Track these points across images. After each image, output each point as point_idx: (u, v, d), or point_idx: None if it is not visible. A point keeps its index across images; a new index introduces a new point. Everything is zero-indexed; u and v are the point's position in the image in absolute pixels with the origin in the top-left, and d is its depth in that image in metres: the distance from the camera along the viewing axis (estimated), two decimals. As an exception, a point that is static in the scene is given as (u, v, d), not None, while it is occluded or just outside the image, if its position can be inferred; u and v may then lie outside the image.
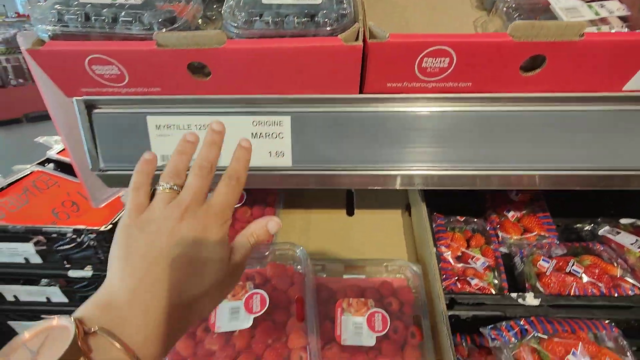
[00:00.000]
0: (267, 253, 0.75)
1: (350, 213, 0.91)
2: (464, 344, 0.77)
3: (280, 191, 0.89)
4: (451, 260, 0.87)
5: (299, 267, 0.72)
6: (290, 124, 0.59)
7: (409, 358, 0.67)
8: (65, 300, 1.16)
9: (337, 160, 0.61)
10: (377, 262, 0.77)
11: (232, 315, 0.64)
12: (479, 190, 1.02)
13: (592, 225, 0.93)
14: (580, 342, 0.66)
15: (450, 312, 0.74)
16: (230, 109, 0.59)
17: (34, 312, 1.19)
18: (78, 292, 1.14)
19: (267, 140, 0.60)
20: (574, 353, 0.63)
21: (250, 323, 0.63)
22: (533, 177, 0.63)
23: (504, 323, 0.68)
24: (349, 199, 0.92)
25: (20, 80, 4.64)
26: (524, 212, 0.94)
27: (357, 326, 0.69)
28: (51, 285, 1.14)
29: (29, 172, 1.33)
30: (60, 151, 1.47)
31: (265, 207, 0.86)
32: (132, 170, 0.63)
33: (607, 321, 0.70)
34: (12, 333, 1.24)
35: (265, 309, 0.64)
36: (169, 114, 0.59)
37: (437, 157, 0.61)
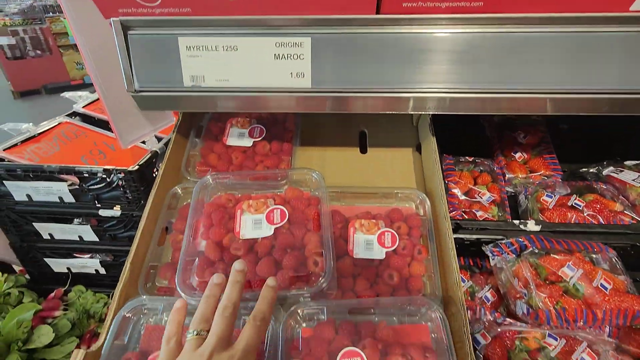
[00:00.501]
0: (284, 181, 0.81)
1: (363, 151, 0.95)
2: (467, 267, 0.82)
3: (297, 128, 0.94)
4: (458, 195, 0.91)
5: (316, 192, 0.78)
6: (310, 45, 0.63)
7: (415, 270, 0.73)
8: (96, 239, 1.25)
9: (353, 82, 0.65)
10: (388, 189, 0.82)
11: (255, 226, 0.70)
12: (487, 133, 1.05)
13: (598, 168, 0.95)
14: (575, 257, 0.70)
15: (455, 236, 0.79)
16: (255, 31, 0.63)
17: (67, 249, 1.29)
18: (107, 231, 1.23)
19: (288, 62, 0.64)
20: (569, 266, 0.68)
21: (272, 232, 0.69)
22: (542, 101, 0.65)
23: (504, 240, 0.73)
24: (362, 138, 0.97)
25: (38, 52, 4.73)
26: (531, 154, 0.97)
27: (368, 242, 0.75)
28: (83, 224, 1.23)
29: (57, 123, 1.40)
30: (86, 105, 1.54)
31: (283, 142, 0.92)
32: (164, 91, 0.69)
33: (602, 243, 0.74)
34: (48, 269, 1.35)
35: (285, 221, 0.71)
36: (199, 35, 0.64)
37: (449, 79, 0.64)
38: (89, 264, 1.33)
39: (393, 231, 0.76)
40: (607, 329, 0.67)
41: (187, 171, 0.87)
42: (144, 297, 0.65)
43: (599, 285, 0.67)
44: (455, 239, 0.78)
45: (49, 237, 1.27)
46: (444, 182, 0.91)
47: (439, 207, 0.77)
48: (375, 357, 0.57)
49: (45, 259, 1.34)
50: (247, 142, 0.90)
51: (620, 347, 0.70)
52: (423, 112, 0.70)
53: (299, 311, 0.63)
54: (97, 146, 1.40)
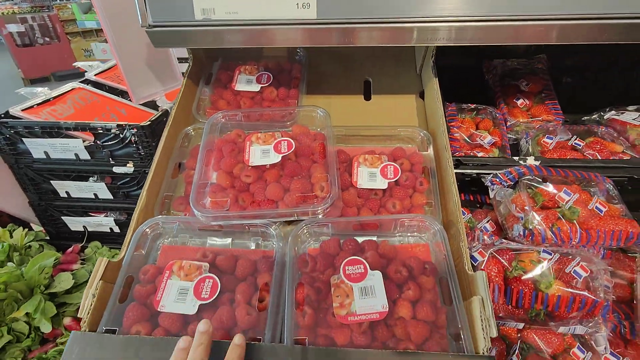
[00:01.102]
0: (291, 121, 0.85)
1: (367, 98, 0.98)
2: (467, 203, 0.85)
3: (303, 76, 0.96)
4: (460, 139, 0.94)
5: (321, 130, 0.81)
6: (316, -26, 0.65)
7: (416, 200, 0.76)
8: (110, 197, 1.30)
9: (359, 12, 0.68)
10: (391, 129, 0.85)
11: (264, 154, 0.74)
12: (490, 83, 1.07)
13: (599, 114, 0.97)
14: (572, 184, 0.73)
15: (456, 171, 0.82)
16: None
17: (83, 208, 1.34)
18: (121, 189, 1.28)
19: (294, -8, 0.67)
20: (565, 191, 0.70)
21: (279, 160, 0.73)
22: (549, 29, 0.67)
23: (503, 170, 0.75)
24: (367, 86, 0.99)
25: (47, 39, 4.79)
26: (533, 101, 0.99)
27: (371, 174, 0.78)
28: (98, 181, 1.28)
29: (71, 88, 1.44)
30: (98, 74, 1.59)
31: (289, 89, 0.95)
32: (177, 26, 0.72)
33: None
34: (65, 227, 1.41)
35: (291, 151, 0.74)
36: (209, -33, 0.66)
37: (454, 7, 0.66)
38: (104, 222, 1.39)
39: (395, 165, 0.79)
40: (601, 252, 0.69)
41: (198, 114, 0.90)
42: (160, 216, 0.69)
43: (594, 208, 0.69)
44: (456, 174, 0.81)
45: (66, 195, 1.32)
46: (446, 124, 0.94)
47: (440, 142, 0.80)
48: (377, 266, 0.61)
49: (63, 217, 1.39)
50: (255, 88, 0.93)
51: (614, 273, 0.73)
52: (428, 44, 0.72)
53: (305, 229, 0.67)
54: (110, 110, 1.44)
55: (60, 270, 1.15)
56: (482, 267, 0.66)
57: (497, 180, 0.74)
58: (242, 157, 0.74)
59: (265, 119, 0.86)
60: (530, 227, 0.68)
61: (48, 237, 1.41)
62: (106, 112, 1.41)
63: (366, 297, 0.58)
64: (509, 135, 0.98)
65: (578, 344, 0.66)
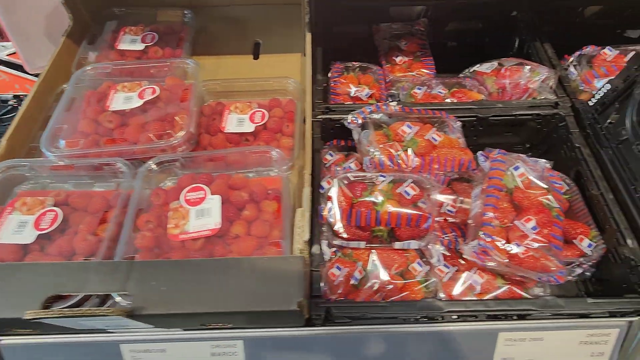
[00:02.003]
0: (166, 76, 0.87)
1: (256, 57, 1.02)
2: (337, 148, 0.91)
3: (188, 36, 0.99)
4: (342, 93, 1.00)
5: (191, 81, 0.85)
6: None
7: (284, 143, 0.81)
8: None
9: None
10: (265, 80, 0.90)
11: (126, 100, 0.76)
12: (376, 43, 1.14)
13: (469, 69, 1.05)
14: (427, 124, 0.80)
15: (325, 116, 0.87)
16: None
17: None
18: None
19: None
20: (407, 125, 0.77)
21: (140, 104, 0.75)
22: None
23: (362, 106, 0.81)
24: (257, 47, 1.04)
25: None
26: (411, 59, 1.07)
27: (240, 120, 0.82)
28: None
29: (-20, 66, 1.40)
30: (11, 53, 1.55)
31: (175, 49, 0.97)
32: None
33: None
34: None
35: (156, 96, 0.77)
36: None
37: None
38: None
39: (264, 111, 0.83)
40: (441, 178, 0.77)
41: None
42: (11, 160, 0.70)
43: (430, 139, 0.76)
44: (324, 119, 0.87)
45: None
46: (328, 80, 1.00)
47: (308, 91, 0.85)
48: (221, 193, 0.65)
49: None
50: (139, 47, 0.95)
51: (463, 201, 0.80)
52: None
53: (158, 166, 0.70)
54: (19, 88, 1.41)
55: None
56: (329, 194, 0.71)
57: (354, 120, 0.80)
58: (105, 104, 0.77)
59: (140, 75, 0.87)
60: (374, 158, 0.74)
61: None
62: (14, 90, 1.38)
63: (201, 217, 0.62)
64: (393, 91, 1.05)
65: (418, 259, 0.73)
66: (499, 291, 0.70)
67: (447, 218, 0.79)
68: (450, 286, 0.72)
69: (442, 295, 0.72)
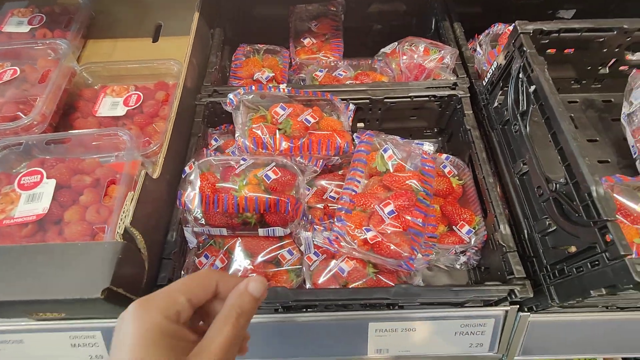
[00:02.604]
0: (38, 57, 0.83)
1: (155, 40, 0.98)
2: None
3: (78, 17, 0.94)
4: (244, 76, 0.96)
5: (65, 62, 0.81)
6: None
7: (161, 127, 0.77)
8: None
9: None
10: (149, 62, 0.86)
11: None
12: (289, 24, 1.09)
13: (381, 52, 1.01)
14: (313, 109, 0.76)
15: (211, 99, 0.84)
16: None
17: None
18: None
19: None
20: (281, 106, 0.73)
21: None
22: None
23: (234, 92, 0.77)
24: (159, 29, 0.99)
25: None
26: (321, 41, 1.02)
27: (114, 104, 0.79)
28: None
29: None
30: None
31: (66, 31, 0.93)
32: None
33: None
34: None
35: (15, 77, 0.73)
36: None
37: None
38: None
39: (140, 93, 0.79)
40: (319, 162, 0.73)
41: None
42: None
43: (304, 120, 0.72)
44: (211, 103, 0.84)
45: None
46: (230, 69, 0.96)
47: (184, 69, 0.81)
48: (59, 176, 0.61)
49: None
50: (25, 29, 0.91)
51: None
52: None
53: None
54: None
55: None
56: (189, 179, 0.67)
57: (230, 102, 0.76)
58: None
59: (14, 57, 0.83)
60: (239, 141, 0.70)
61: None
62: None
63: (31, 202, 0.58)
64: (303, 75, 1.00)
65: (290, 247, 0.70)
66: (365, 279, 0.67)
67: (330, 205, 0.76)
68: (319, 274, 0.69)
69: (308, 284, 0.69)
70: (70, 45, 0.82)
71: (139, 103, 0.78)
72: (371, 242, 0.59)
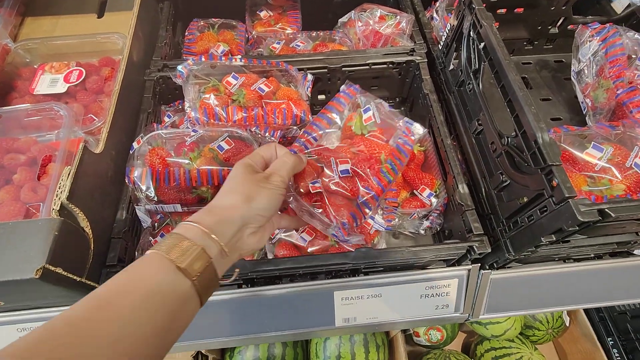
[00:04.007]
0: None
1: (100, 16, 0.93)
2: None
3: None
4: (197, 52, 0.91)
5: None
6: None
7: (104, 102, 0.72)
8: None
9: None
10: (91, 36, 0.81)
11: None
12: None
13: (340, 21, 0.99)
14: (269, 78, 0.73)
15: (161, 74, 0.79)
16: None
17: None
18: None
19: None
20: (233, 75, 0.70)
21: None
22: None
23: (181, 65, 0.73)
24: (103, 4, 0.94)
25: None
26: (278, 13, 0.99)
27: (53, 80, 0.73)
28: None
29: None
30: None
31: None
32: None
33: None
34: None
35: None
36: None
37: None
38: None
39: (81, 69, 0.74)
40: (277, 133, 0.71)
41: None
42: None
43: (257, 89, 0.70)
44: (163, 77, 0.79)
45: None
46: (183, 44, 0.91)
47: (136, 48, 0.76)
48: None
49: None
50: (-48, 6, 0.83)
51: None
52: None
53: None
54: None
55: None
56: (137, 154, 0.64)
57: (179, 74, 0.72)
58: None
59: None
60: (189, 113, 0.67)
61: None
62: None
63: (-43, 184, 0.53)
64: (260, 50, 0.97)
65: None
66: (327, 249, 0.66)
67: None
68: (281, 247, 0.67)
69: (270, 256, 0.68)
70: (2, 20, 0.76)
71: (81, 79, 0.73)
72: (312, 192, 0.56)
